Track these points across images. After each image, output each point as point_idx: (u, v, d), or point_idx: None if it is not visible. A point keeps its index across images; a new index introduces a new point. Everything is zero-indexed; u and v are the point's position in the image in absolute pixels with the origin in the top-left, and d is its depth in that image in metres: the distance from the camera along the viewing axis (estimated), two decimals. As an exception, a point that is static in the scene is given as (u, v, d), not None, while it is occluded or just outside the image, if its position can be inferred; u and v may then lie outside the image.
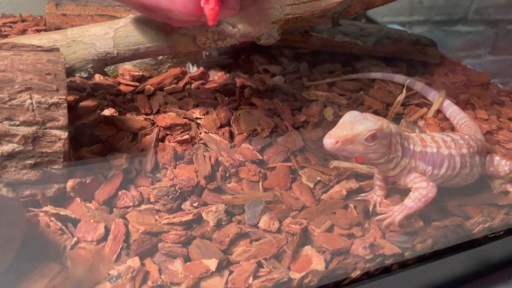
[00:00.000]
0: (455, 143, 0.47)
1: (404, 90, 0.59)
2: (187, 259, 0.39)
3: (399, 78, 0.68)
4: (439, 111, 0.63)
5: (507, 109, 0.72)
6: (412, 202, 0.43)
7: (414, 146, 0.44)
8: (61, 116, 0.40)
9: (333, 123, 0.59)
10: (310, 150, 0.54)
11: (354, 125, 0.40)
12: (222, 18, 0.36)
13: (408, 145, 0.44)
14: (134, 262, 0.38)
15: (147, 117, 0.53)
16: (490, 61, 1.66)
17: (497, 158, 0.51)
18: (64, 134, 0.40)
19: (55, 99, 0.39)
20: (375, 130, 0.40)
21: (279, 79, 0.68)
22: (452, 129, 0.61)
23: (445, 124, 0.61)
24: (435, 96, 0.64)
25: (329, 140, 0.39)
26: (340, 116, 0.60)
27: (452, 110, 0.61)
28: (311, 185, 0.49)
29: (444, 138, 0.47)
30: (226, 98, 0.61)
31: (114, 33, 0.48)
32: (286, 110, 0.59)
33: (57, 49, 0.42)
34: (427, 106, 0.64)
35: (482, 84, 0.78)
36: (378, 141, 0.40)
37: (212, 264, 0.38)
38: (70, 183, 0.42)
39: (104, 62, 0.49)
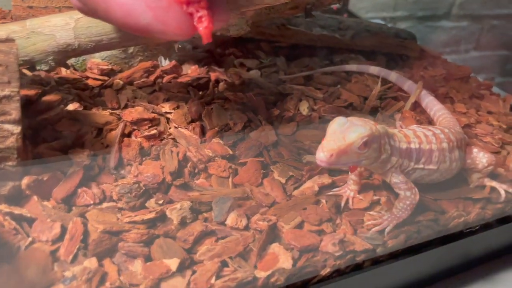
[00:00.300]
0: (436, 137, 0.46)
1: (379, 82, 0.58)
2: (148, 259, 0.38)
3: (374, 69, 0.67)
4: (416, 102, 0.62)
5: (487, 102, 0.71)
6: (400, 211, 0.43)
7: (400, 143, 0.43)
8: (14, 110, 0.37)
9: (308, 117, 0.58)
10: (283, 145, 0.53)
11: (345, 134, 0.38)
12: (213, 30, 0.34)
13: (394, 143, 0.43)
14: (91, 263, 0.36)
15: (113, 111, 0.51)
16: (475, 57, 1.66)
17: (475, 150, 0.50)
18: (17, 129, 0.38)
19: (6, 92, 0.37)
20: (367, 136, 0.38)
21: (255, 73, 0.66)
22: (430, 122, 0.60)
23: (422, 118, 0.60)
24: (411, 86, 0.63)
25: (323, 154, 0.37)
26: (315, 110, 0.59)
27: (428, 100, 0.60)
28: (283, 181, 0.47)
29: (425, 132, 0.46)
30: (200, 93, 0.60)
31: (75, 23, 0.46)
32: (260, 104, 0.58)
33: (12, 40, 0.40)
34: (404, 100, 0.63)
35: (462, 78, 0.77)
36: (371, 146, 0.39)
37: (173, 264, 0.36)
38: (25, 181, 0.40)
39: (65, 54, 0.47)
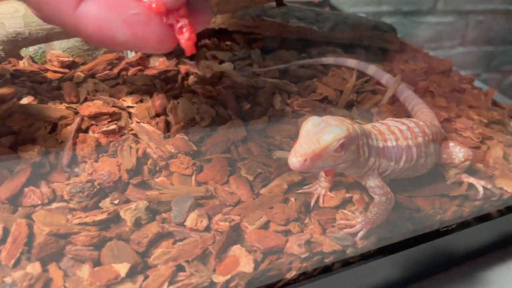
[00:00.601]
0: (411, 131, 0.43)
1: (355, 75, 0.55)
2: (97, 263, 0.35)
3: (351, 62, 0.64)
4: (394, 97, 0.60)
5: (468, 96, 0.69)
6: (375, 216, 0.40)
7: (377, 142, 0.41)
8: (-51, 102, 0.34)
9: (281, 111, 0.55)
10: (253, 140, 0.50)
11: (320, 136, 0.34)
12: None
13: (372, 143, 0.40)
14: (34, 267, 0.33)
15: (70, 105, 0.48)
16: (461, 52, 1.65)
17: (451, 144, 0.48)
18: (-47, 123, 0.35)
19: None
20: (344, 138, 0.35)
21: (228, 65, 0.63)
22: (408, 116, 0.58)
23: (400, 112, 0.58)
24: (389, 80, 0.61)
25: (296, 160, 0.34)
26: (288, 104, 0.57)
27: (406, 95, 0.58)
28: (251, 178, 0.45)
29: (400, 127, 0.43)
30: (168, 86, 0.57)
31: (25, 10, 0.43)
32: (230, 97, 0.55)
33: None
34: (382, 93, 0.61)
35: (443, 72, 0.75)
36: (349, 148, 0.36)
37: (123, 269, 0.34)
38: (-35, 179, 0.37)
39: (15, 44, 0.44)
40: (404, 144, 0.42)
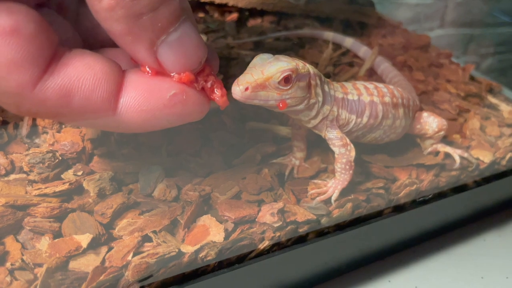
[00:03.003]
0: (378, 90, 0.42)
1: (330, 46, 0.54)
2: (58, 235, 0.33)
3: (328, 35, 0.63)
4: (372, 70, 0.59)
5: (446, 71, 0.69)
6: (341, 174, 0.39)
7: (335, 92, 0.39)
8: None
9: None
10: (226, 112, 0.48)
11: (264, 68, 0.33)
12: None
13: (329, 90, 0.39)
14: (-11, 241, 0.31)
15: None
16: (440, 35, 1.65)
17: (425, 114, 0.47)
18: None
19: None
20: (290, 71, 0.33)
21: (201, 38, 0.61)
22: (385, 89, 0.57)
23: (377, 84, 0.57)
24: (366, 52, 0.60)
25: (238, 88, 0.33)
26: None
27: (384, 67, 0.56)
28: (223, 149, 0.43)
29: (366, 85, 0.42)
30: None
31: None
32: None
33: None
34: (359, 66, 0.59)
35: (421, 47, 0.74)
36: (295, 84, 0.34)
37: (84, 239, 0.32)
38: None
39: None
40: (368, 100, 0.41)
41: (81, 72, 0.25)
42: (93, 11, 0.25)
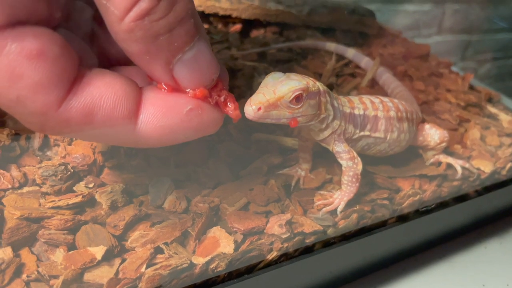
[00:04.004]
0: (384, 105, 0.43)
1: (334, 57, 0.55)
2: (72, 247, 0.34)
3: (330, 45, 0.64)
4: (373, 80, 0.60)
5: (446, 80, 0.70)
6: (347, 186, 0.40)
7: (343, 107, 0.40)
8: None
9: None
10: (232, 123, 0.49)
11: (276, 87, 0.34)
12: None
13: (338, 106, 0.40)
14: (5, 253, 0.32)
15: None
16: (437, 41, 1.67)
17: (427, 126, 0.48)
18: None
19: None
20: (300, 90, 0.34)
21: (205, 49, 0.62)
22: (387, 99, 0.58)
23: (379, 94, 0.58)
24: (368, 63, 0.61)
25: (250, 108, 0.33)
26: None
27: (385, 78, 0.58)
28: (230, 160, 0.44)
29: (372, 99, 0.43)
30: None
31: None
32: (208, 81, 0.54)
33: None
34: (361, 77, 0.61)
35: (421, 56, 0.75)
36: (306, 102, 0.35)
37: (99, 252, 0.33)
38: None
39: None
40: (372, 114, 0.42)
41: (103, 91, 0.25)
42: (112, 32, 0.26)
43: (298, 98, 0.34)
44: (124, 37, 0.25)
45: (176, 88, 0.28)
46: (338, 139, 0.40)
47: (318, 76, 0.60)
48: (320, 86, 0.37)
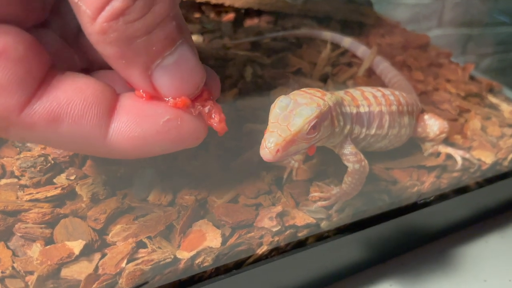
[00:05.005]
0: (386, 99, 0.41)
1: (328, 46, 0.53)
2: (50, 242, 0.32)
3: (326, 34, 0.62)
4: (370, 70, 0.58)
5: (445, 71, 0.68)
6: (350, 187, 0.38)
7: (350, 108, 0.38)
8: None
9: (252, 83, 0.52)
10: (223, 113, 0.47)
11: (289, 122, 0.31)
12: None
13: (345, 110, 0.37)
14: (-22, 248, 0.30)
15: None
16: (437, 35, 1.65)
17: (426, 117, 0.46)
18: None
19: None
20: (316, 118, 0.32)
21: (196, 38, 0.60)
22: (384, 89, 0.56)
23: (376, 85, 0.56)
24: (365, 52, 0.59)
25: (267, 151, 0.30)
26: (260, 76, 0.54)
27: (383, 67, 0.56)
28: (220, 152, 0.42)
29: (374, 93, 0.41)
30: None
31: None
32: (199, 70, 0.52)
33: None
34: (358, 66, 0.59)
35: (421, 46, 0.73)
36: (321, 126, 0.33)
37: (77, 246, 0.31)
38: None
39: None
40: (377, 110, 0.40)
41: (71, 96, 0.23)
42: (86, 33, 0.24)
43: (314, 127, 0.32)
44: (97, 39, 0.23)
45: (155, 96, 0.26)
46: (345, 140, 0.38)
47: (313, 65, 0.58)
48: (329, 100, 0.34)
